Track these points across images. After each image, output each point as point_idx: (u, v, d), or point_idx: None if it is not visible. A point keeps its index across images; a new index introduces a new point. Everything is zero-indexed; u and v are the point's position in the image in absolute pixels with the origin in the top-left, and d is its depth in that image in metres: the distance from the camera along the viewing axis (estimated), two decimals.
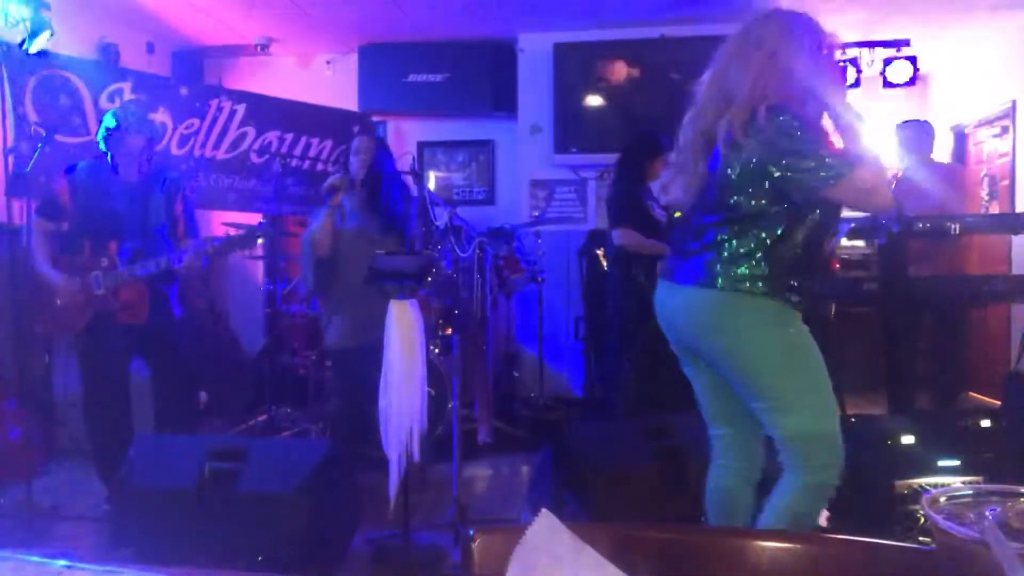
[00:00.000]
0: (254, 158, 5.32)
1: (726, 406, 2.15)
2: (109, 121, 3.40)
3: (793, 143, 1.94)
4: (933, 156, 4.71)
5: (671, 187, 2.21)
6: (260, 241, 4.39)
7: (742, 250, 1.98)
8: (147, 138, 3.46)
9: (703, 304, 2.03)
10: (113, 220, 3.34)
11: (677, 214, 5.08)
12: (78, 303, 3.31)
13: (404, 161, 3.85)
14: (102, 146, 3.42)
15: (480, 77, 5.99)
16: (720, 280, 1.98)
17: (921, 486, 2.79)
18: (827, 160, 1.93)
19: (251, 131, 5.31)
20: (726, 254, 1.99)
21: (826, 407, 2.01)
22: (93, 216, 3.34)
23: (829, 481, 1.98)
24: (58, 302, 3.33)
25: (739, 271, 1.98)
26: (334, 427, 3.99)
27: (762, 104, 1.97)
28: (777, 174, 1.95)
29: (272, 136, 5.41)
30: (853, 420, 3.02)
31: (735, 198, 1.99)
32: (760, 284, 1.97)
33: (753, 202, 1.98)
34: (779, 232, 1.99)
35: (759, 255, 1.99)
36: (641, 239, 4.32)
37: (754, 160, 1.96)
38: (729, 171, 1.99)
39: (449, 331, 4.36)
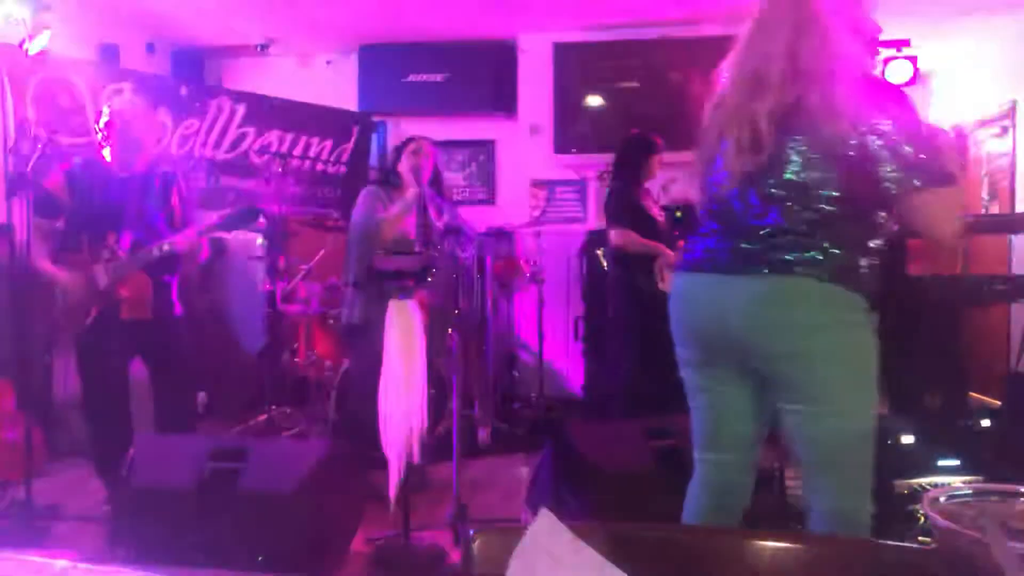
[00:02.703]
0: (254, 158, 5.32)
1: (736, 426, 1.93)
2: (111, 109, 3.41)
3: (894, 124, 1.66)
4: None
5: (711, 170, 1.91)
6: (261, 219, 4.36)
7: (834, 241, 1.73)
8: (147, 129, 3.46)
9: (795, 295, 1.73)
10: (110, 213, 3.34)
11: (678, 214, 5.10)
12: (81, 300, 3.32)
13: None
14: (101, 134, 3.42)
15: (480, 77, 5.99)
16: (819, 270, 1.71)
17: (921, 486, 2.79)
18: (924, 158, 1.65)
19: (251, 131, 5.31)
20: (821, 243, 1.72)
21: (873, 424, 1.79)
22: (91, 211, 3.35)
23: (865, 507, 1.79)
24: (61, 300, 3.33)
25: (836, 262, 1.72)
26: (345, 419, 3.99)
27: (838, 75, 1.71)
28: (864, 160, 1.68)
29: (272, 136, 5.41)
30: None
31: (817, 183, 1.73)
32: (850, 279, 1.73)
33: (829, 190, 1.72)
34: (870, 225, 1.78)
35: (850, 249, 1.75)
36: (637, 239, 4.33)
37: (841, 143, 1.69)
38: (810, 154, 1.72)
39: (449, 331, 4.36)
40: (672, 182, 5.44)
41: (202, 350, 4.89)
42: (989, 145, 5.64)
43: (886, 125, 1.65)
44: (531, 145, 5.96)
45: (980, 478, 2.79)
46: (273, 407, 4.56)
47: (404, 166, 3.75)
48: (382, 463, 2.74)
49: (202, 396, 5.01)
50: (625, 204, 4.40)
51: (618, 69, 5.70)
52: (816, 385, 1.74)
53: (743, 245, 1.80)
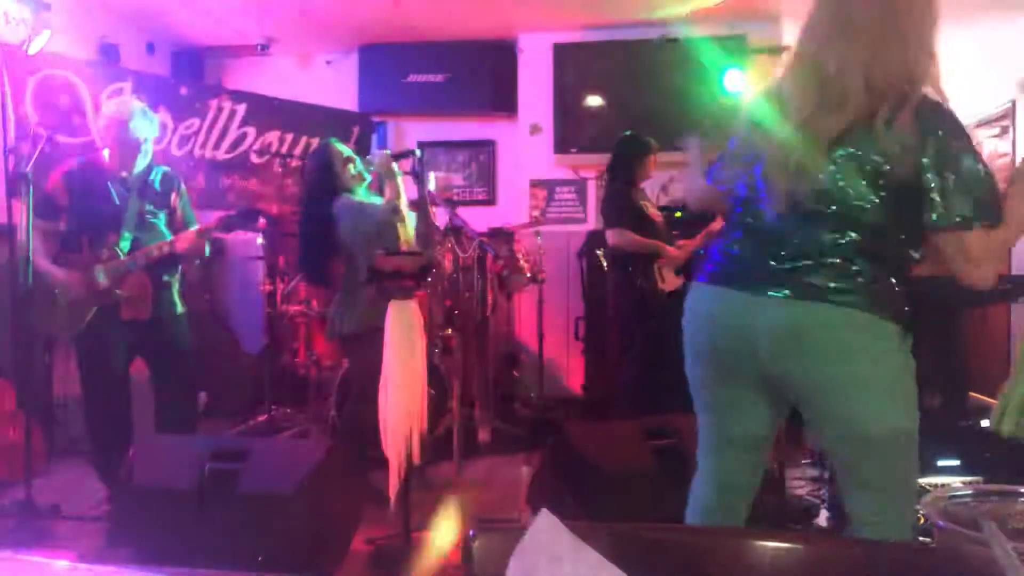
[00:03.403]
0: (254, 158, 5.32)
1: (748, 435, 1.88)
2: (109, 110, 3.41)
3: (946, 156, 1.58)
4: None
5: (746, 175, 1.80)
6: (261, 219, 4.36)
7: (874, 266, 1.66)
8: (145, 129, 3.46)
9: (832, 324, 1.65)
10: (111, 213, 3.35)
11: (678, 214, 5.10)
12: (82, 300, 3.32)
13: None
14: (99, 134, 3.43)
15: (480, 77, 5.99)
16: (856, 298, 1.64)
17: (921, 486, 2.79)
18: (975, 193, 1.57)
19: (251, 131, 5.31)
20: (860, 269, 1.65)
21: (912, 442, 1.73)
22: (90, 211, 3.35)
23: (909, 519, 1.73)
24: (61, 301, 3.33)
25: (875, 290, 1.65)
26: (346, 422, 3.98)
27: (908, 95, 1.62)
28: (912, 190, 1.60)
29: (272, 136, 5.41)
30: None
31: (864, 205, 1.64)
32: (887, 306, 1.66)
33: (877, 216, 1.64)
34: (909, 253, 1.70)
35: (888, 276, 1.68)
36: (636, 239, 4.34)
37: (895, 165, 1.61)
38: (861, 173, 1.63)
39: (449, 331, 4.36)
40: (671, 182, 5.45)
41: (202, 350, 4.89)
42: (989, 145, 5.64)
43: (942, 152, 1.58)
44: (531, 145, 5.96)
45: (980, 478, 2.79)
46: (273, 407, 4.56)
47: (347, 176, 3.67)
48: (382, 463, 2.74)
49: (202, 396, 5.01)
50: (622, 205, 4.40)
51: (618, 69, 5.70)
52: (848, 411, 1.68)
53: (778, 264, 1.70)
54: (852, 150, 1.64)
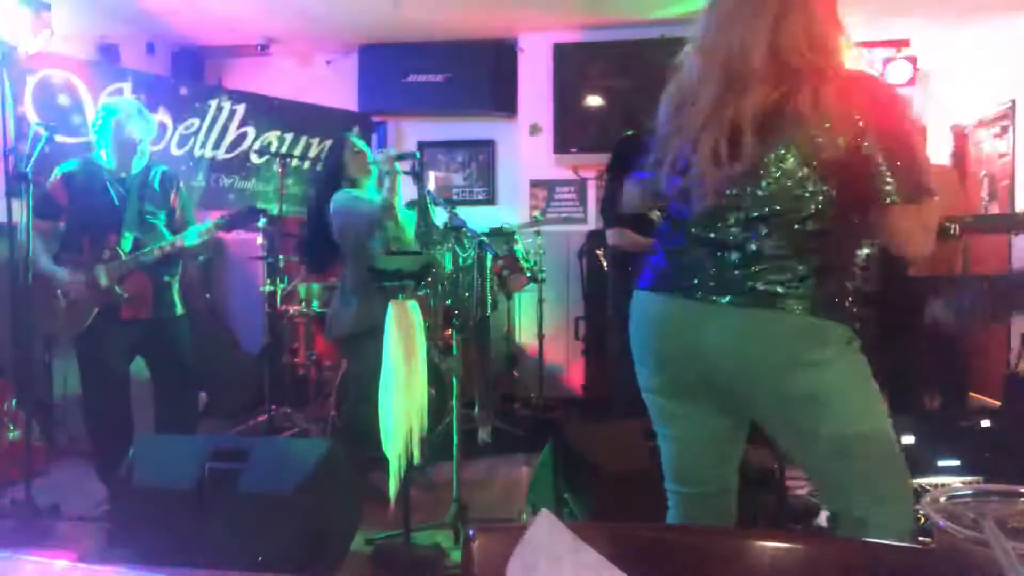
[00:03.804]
0: (254, 158, 5.32)
1: (712, 455, 1.79)
2: (106, 111, 3.41)
3: (883, 128, 1.51)
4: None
5: (676, 176, 1.69)
6: (261, 225, 4.36)
7: (822, 264, 1.58)
8: (143, 130, 3.47)
9: (782, 332, 1.57)
10: (111, 213, 3.36)
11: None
12: (82, 300, 3.32)
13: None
14: (97, 136, 3.43)
15: (480, 77, 5.99)
16: (806, 303, 1.55)
17: (921, 486, 2.79)
18: (916, 168, 1.52)
19: (251, 131, 5.31)
20: (808, 268, 1.57)
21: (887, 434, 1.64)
22: (90, 211, 3.36)
23: (907, 515, 1.64)
24: (62, 302, 3.34)
25: (824, 291, 1.58)
26: (346, 420, 3.99)
27: (824, 69, 1.54)
28: (851, 168, 1.52)
29: (272, 136, 5.41)
30: None
31: (805, 196, 1.55)
32: (836, 308, 1.59)
33: (815, 204, 1.55)
34: (854, 246, 1.65)
35: (831, 273, 1.60)
36: (635, 239, 4.33)
37: (832, 150, 1.52)
38: (798, 163, 1.54)
39: (449, 331, 4.36)
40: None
41: (202, 350, 4.89)
42: (989, 145, 5.64)
43: (881, 125, 1.51)
44: (531, 145, 5.96)
45: (980, 478, 2.79)
46: (273, 407, 4.56)
47: (353, 167, 3.71)
48: (382, 463, 2.74)
49: (202, 396, 5.02)
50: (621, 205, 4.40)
51: (618, 69, 5.70)
52: (803, 420, 1.60)
53: (720, 269, 1.61)
54: (781, 135, 1.54)
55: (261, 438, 4.11)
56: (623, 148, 4.58)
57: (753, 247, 1.59)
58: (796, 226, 1.57)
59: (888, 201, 1.51)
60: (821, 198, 1.55)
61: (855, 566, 0.88)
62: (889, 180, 1.50)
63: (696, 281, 1.63)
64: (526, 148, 6.00)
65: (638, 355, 1.78)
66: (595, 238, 5.32)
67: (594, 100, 5.78)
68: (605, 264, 4.92)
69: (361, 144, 3.77)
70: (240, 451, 2.77)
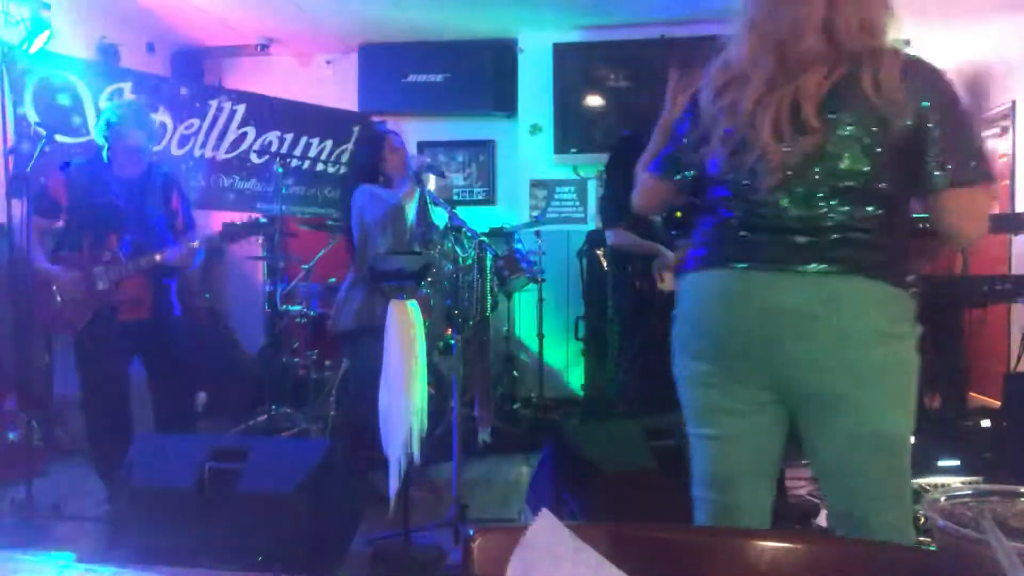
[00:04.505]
0: (254, 158, 5.32)
1: (759, 459, 1.71)
2: (109, 115, 3.41)
3: (943, 110, 1.52)
4: None
5: (731, 157, 1.64)
6: (260, 241, 4.41)
7: (892, 238, 1.58)
8: (146, 135, 3.48)
9: (871, 297, 1.54)
10: (112, 214, 3.36)
11: (678, 214, 5.10)
12: (80, 299, 3.32)
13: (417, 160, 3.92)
14: (100, 140, 3.44)
15: (480, 77, 5.99)
16: (883, 272, 1.54)
17: (921, 486, 2.79)
18: (974, 150, 1.53)
19: (251, 131, 5.31)
20: (880, 240, 1.56)
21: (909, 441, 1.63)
22: (91, 211, 3.36)
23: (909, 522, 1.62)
24: (59, 299, 3.34)
25: (897, 262, 1.57)
26: (346, 420, 4.00)
27: (880, 50, 1.54)
28: (911, 148, 1.52)
29: (272, 136, 5.40)
30: None
31: (871, 173, 1.55)
32: (907, 283, 1.58)
33: (880, 182, 1.56)
34: (912, 221, 1.63)
35: (899, 250, 1.60)
36: (635, 239, 4.33)
37: (892, 126, 1.52)
38: (863, 140, 1.54)
39: (449, 331, 4.36)
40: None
41: (202, 350, 4.89)
42: (989, 145, 5.64)
43: (941, 109, 1.52)
44: (531, 145, 5.96)
45: (980, 478, 2.79)
46: (273, 407, 4.56)
47: (390, 164, 3.76)
48: (382, 463, 2.74)
49: (202, 396, 5.01)
50: (621, 205, 4.40)
51: (618, 69, 5.70)
52: (880, 401, 1.56)
53: (797, 240, 1.57)
54: (845, 114, 1.54)
55: (261, 438, 4.11)
56: (622, 148, 4.59)
57: (827, 221, 1.56)
58: (865, 204, 1.56)
59: (942, 183, 1.51)
60: (886, 176, 1.55)
61: (855, 566, 0.88)
62: (945, 162, 1.51)
63: (770, 252, 1.59)
64: (526, 148, 6.00)
65: (692, 339, 1.69)
66: (595, 238, 5.32)
67: (594, 100, 5.78)
68: (605, 264, 4.92)
69: (400, 142, 3.86)
70: (240, 451, 2.77)
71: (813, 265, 1.55)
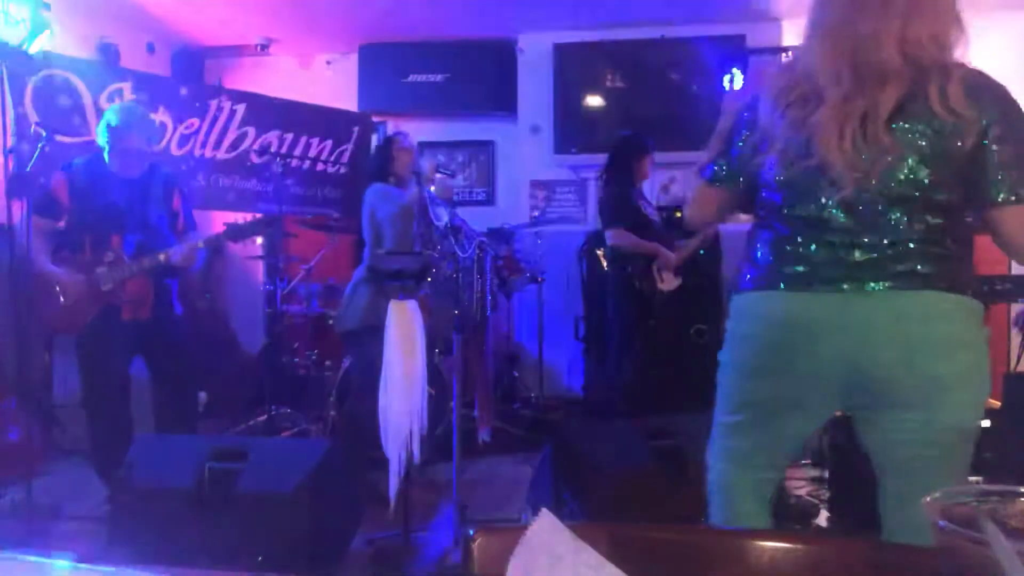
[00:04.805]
0: (254, 158, 5.31)
1: (788, 449, 1.78)
2: (111, 118, 3.42)
3: (1007, 126, 1.53)
4: None
5: (796, 168, 1.62)
6: (260, 241, 4.41)
7: (957, 248, 1.58)
8: (147, 137, 3.48)
9: (945, 312, 1.55)
10: (114, 215, 3.36)
11: (678, 214, 5.11)
12: (82, 300, 3.33)
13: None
14: (101, 141, 3.44)
15: (480, 77, 6.00)
16: (953, 283, 1.55)
17: None
18: None
19: (251, 131, 5.31)
20: (948, 251, 1.57)
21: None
22: (93, 212, 3.37)
23: None
24: (62, 300, 3.34)
25: (964, 272, 1.59)
26: (348, 418, 4.01)
27: (948, 66, 1.55)
28: (974, 163, 1.53)
29: (272, 136, 5.40)
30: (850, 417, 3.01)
31: (936, 184, 1.55)
32: (971, 285, 1.59)
33: (944, 195, 1.56)
34: (972, 232, 1.63)
35: (965, 259, 1.61)
36: (635, 239, 4.34)
37: (956, 141, 1.53)
38: (929, 152, 1.54)
39: (449, 331, 4.36)
40: (672, 182, 5.44)
41: (202, 350, 4.89)
42: None
43: (1003, 126, 1.53)
44: (531, 145, 5.96)
45: (980, 478, 2.79)
46: (273, 407, 4.56)
47: (399, 164, 3.81)
48: (382, 463, 2.74)
49: (202, 396, 5.01)
50: (621, 205, 4.41)
51: (618, 69, 5.70)
52: (949, 409, 1.56)
53: (863, 256, 1.56)
54: (910, 126, 1.54)
55: (261, 438, 4.11)
56: (621, 149, 4.59)
57: (893, 233, 1.56)
58: (925, 215, 1.56)
59: (1000, 199, 1.52)
60: (946, 189, 1.55)
61: (855, 566, 0.88)
62: (1004, 178, 1.52)
63: (831, 272, 1.58)
64: (526, 148, 6.00)
65: (750, 362, 1.70)
66: (595, 238, 5.32)
67: (594, 100, 5.79)
68: (605, 264, 4.92)
69: (409, 142, 3.97)
70: (240, 451, 2.77)
71: (875, 284, 1.55)
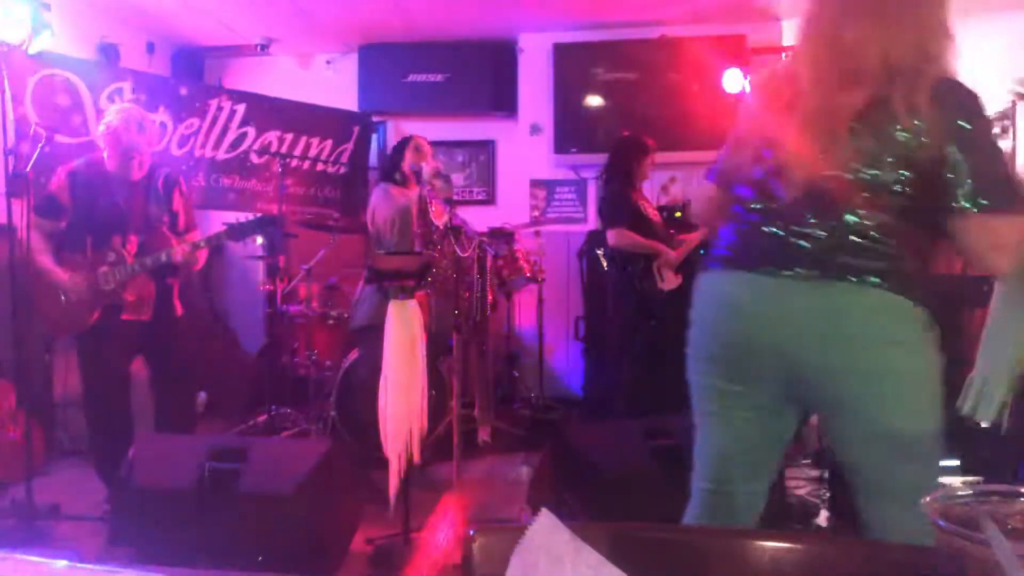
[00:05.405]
0: (254, 158, 5.32)
1: (760, 455, 1.75)
2: (111, 118, 3.42)
3: (971, 136, 1.53)
4: None
5: (766, 163, 1.68)
6: (260, 241, 4.41)
7: (904, 250, 1.60)
8: (146, 139, 3.48)
9: (873, 307, 1.57)
10: (114, 215, 3.36)
11: (678, 214, 5.10)
12: (84, 300, 3.33)
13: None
14: (101, 142, 3.44)
15: (480, 77, 5.99)
16: (892, 281, 1.57)
17: None
18: (1000, 177, 1.53)
19: (251, 131, 5.31)
20: (892, 251, 1.58)
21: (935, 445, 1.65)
22: (94, 212, 3.37)
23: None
24: (63, 300, 3.34)
25: (907, 274, 1.59)
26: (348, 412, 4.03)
27: (925, 72, 1.55)
28: (938, 170, 1.53)
29: (272, 136, 5.41)
30: None
31: (891, 186, 1.57)
32: (921, 292, 1.60)
33: (905, 198, 1.57)
34: (929, 238, 1.64)
35: (916, 259, 1.63)
36: (636, 239, 4.34)
37: (919, 147, 1.54)
38: (887, 154, 1.56)
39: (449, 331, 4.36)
40: (672, 182, 5.44)
41: (202, 350, 4.89)
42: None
43: (967, 135, 1.53)
44: (531, 145, 5.96)
45: (980, 478, 2.79)
46: (273, 407, 4.56)
47: (407, 164, 3.84)
48: (382, 463, 2.74)
49: (202, 396, 5.01)
50: (621, 205, 4.41)
51: (618, 69, 5.70)
52: (884, 406, 1.59)
53: (807, 245, 1.60)
54: (874, 129, 1.57)
55: (261, 438, 4.11)
56: (621, 149, 4.59)
57: (838, 227, 1.59)
58: (883, 214, 1.58)
59: (961, 207, 1.52)
60: (905, 190, 1.57)
61: (855, 566, 0.88)
62: (965, 186, 1.51)
63: (780, 258, 1.62)
64: (526, 148, 6.00)
65: (704, 342, 1.73)
66: (595, 238, 5.32)
67: (594, 100, 5.78)
68: (605, 264, 4.92)
69: (421, 145, 4.07)
70: (240, 451, 2.77)
71: (817, 272, 1.58)
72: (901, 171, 1.56)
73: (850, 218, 1.58)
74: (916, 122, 1.53)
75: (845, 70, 1.60)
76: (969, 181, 1.51)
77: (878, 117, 1.56)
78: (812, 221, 1.61)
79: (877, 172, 1.57)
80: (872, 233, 1.57)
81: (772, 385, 1.66)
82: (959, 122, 1.53)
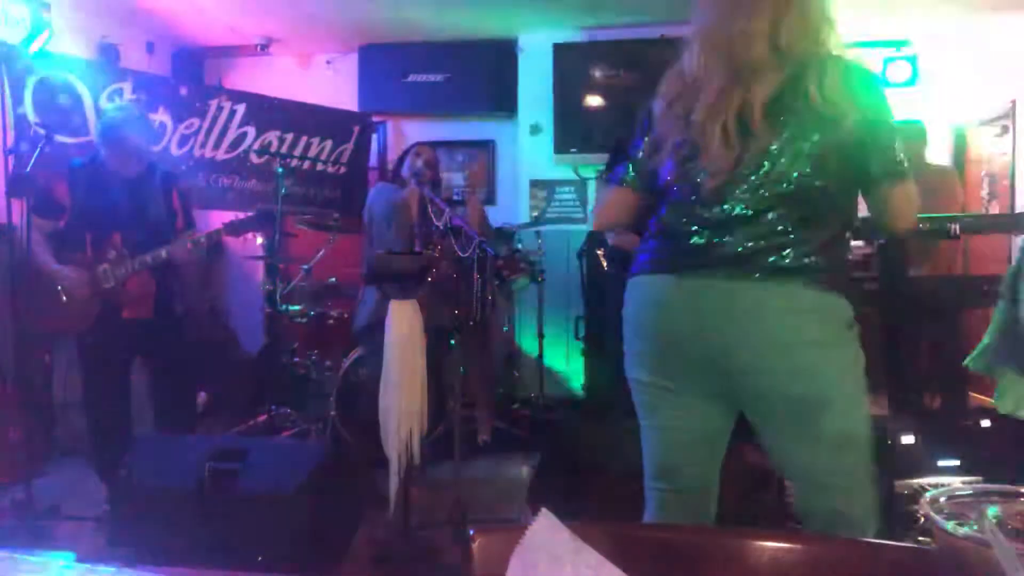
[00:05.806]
0: (254, 158, 5.32)
1: (702, 452, 1.78)
2: (108, 119, 3.42)
3: (879, 112, 1.63)
4: (927, 156, 4.71)
5: (684, 163, 1.72)
6: (260, 241, 4.42)
7: (827, 242, 1.63)
8: (144, 138, 3.49)
9: (797, 305, 1.60)
10: (114, 214, 3.37)
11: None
12: (85, 299, 3.33)
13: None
14: (100, 141, 3.44)
15: (480, 77, 5.99)
16: (816, 277, 1.60)
17: (921, 486, 2.79)
18: (899, 149, 1.63)
19: (251, 131, 5.31)
20: (815, 245, 1.61)
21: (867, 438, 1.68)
22: (93, 211, 3.37)
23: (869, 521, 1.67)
24: (63, 299, 3.34)
25: (832, 268, 1.62)
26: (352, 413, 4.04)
27: (823, 58, 1.63)
28: (852, 149, 1.60)
29: (272, 136, 5.41)
30: None
31: (809, 176, 1.60)
32: (841, 285, 1.64)
33: (821, 182, 1.61)
34: (850, 223, 1.69)
35: (841, 250, 1.68)
36: (635, 239, 4.33)
37: (833, 132, 1.59)
38: (802, 144, 1.60)
39: (449, 331, 4.36)
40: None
41: (202, 350, 4.88)
42: (989, 145, 5.64)
43: (876, 110, 1.62)
44: (531, 145, 5.96)
45: (980, 478, 2.79)
46: (273, 407, 4.56)
47: (407, 169, 3.86)
48: (382, 463, 2.74)
49: (202, 396, 5.01)
50: None
51: (618, 69, 5.70)
52: (815, 402, 1.61)
53: (727, 246, 1.63)
54: (786, 117, 1.61)
55: (261, 438, 4.11)
56: (622, 149, 4.59)
57: (760, 224, 1.62)
58: (803, 204, 1.62)
59: (881, 177, 1.62)
60: (826, 179, 1.62)
61: (855, 566, 0.88)
62: (882, 160, 1.61)
63: (702, 259, 1.65)
64: (526, 148, 6.00)
65: (635, 340, 1.77)
66: (595, 238, 5.32)
67: (594, 100, 5.78)
68: (605, 264, 4.92)
69: (427, 150, 4.12)
70: (240, 451, 2.77)
71: (736, 272, 1.61)
72: (822, 155, 1.60)
73: (770, 215, 1.62)
74: (831, 106, 1.58)
75: (739, 63, 1.64)
76: (885, 154, 1.61)
77: (789, 103, 1.61)
78: (732, 220, 1.64)
79: (799, 160, 1.60)
80: (792, 230, 1.61)
81: (701, 383, 1.69)
82: (870, 101, 1.62)
